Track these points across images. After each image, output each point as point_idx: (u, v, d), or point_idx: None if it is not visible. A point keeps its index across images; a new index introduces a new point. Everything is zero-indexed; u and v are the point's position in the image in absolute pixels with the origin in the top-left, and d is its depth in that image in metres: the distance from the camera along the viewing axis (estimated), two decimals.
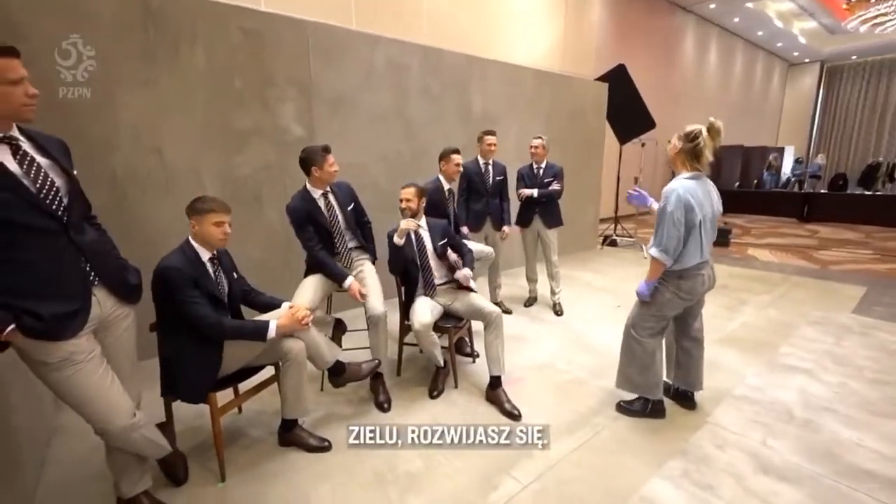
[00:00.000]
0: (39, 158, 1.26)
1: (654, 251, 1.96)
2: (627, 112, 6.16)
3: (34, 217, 1.21)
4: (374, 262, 2.60)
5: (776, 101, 15.31)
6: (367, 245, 2.58)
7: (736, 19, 10.82)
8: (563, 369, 2.76)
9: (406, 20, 5.12)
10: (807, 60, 14.63)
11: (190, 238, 1.75)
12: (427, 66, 4.06)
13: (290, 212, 2.35)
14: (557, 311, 3.76)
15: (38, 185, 1.22)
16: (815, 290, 4.45)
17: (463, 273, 2.46)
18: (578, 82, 5.94)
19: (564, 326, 3.48)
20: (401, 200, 2.43)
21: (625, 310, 3.82)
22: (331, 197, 2.42)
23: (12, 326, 1.17)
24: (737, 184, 11.76)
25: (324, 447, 1.98)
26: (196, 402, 1.75)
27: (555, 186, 3.58)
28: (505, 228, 3.57)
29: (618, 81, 6.12)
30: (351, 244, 2.51)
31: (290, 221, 2.36)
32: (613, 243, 6.68)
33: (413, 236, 2.47)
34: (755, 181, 12.41)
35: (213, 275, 1.78)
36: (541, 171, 3.62)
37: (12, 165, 1.19)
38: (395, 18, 5.02)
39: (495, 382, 2.34)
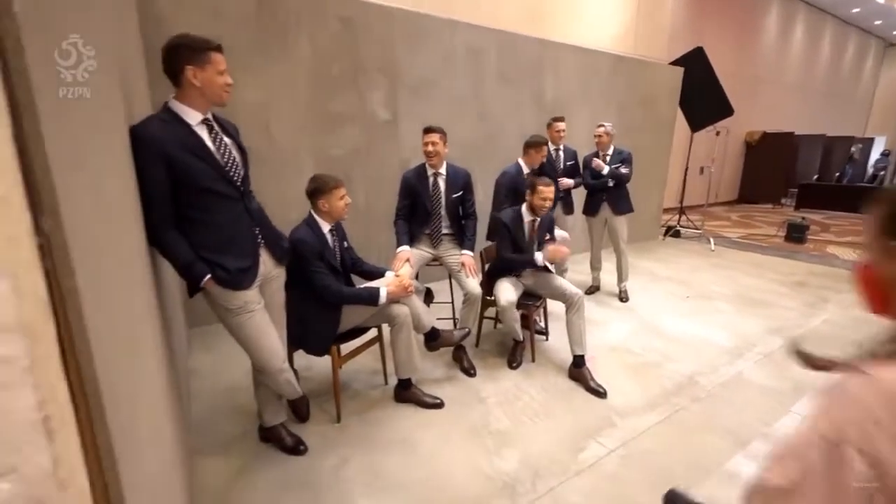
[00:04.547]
0: (225, 138, 1.51)
1: None
2: (703, 98, 5.90)
3: (223, 185, 1.46)
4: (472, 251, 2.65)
5: (868, 86, 13.90)
6: (461, 237, 2.68)
7: None
8: (637, 352, 2.84)
9: (480, 2, 5.16)
10: None
11: (313, 213, 1.99)
12: (502, 51, 4.12)
13: (402, 178, 2.65)
14: (623, 297, 3.79)
15: (224, 159, 1.47)
16: None
17: (562, 235, 2.47)
18: (652, 67, 5.74)
19: (632, 313, 3.52)
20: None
21: (693, 301, 3.83)
22: (440, 180, 2.61)
23: (209, 276, 1.45)
24: (815, 176, 10.87)
25: (437, 404, 2.20)
26: (320, 354, 2.02)
27: (623, 170, 3.54)
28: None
29: (695, 65, 5.86)
30: (445, 230, 2.69)
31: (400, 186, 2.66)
32: (677, 234, 6.51)
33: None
34: (837, 174, 11.42)
35: (332, 245, 2.02)
36: (607, 158, 3.61)
37: (209, 142, 1.45)
38: (469, 2, 5.07)
39: (579, 361, 2.47)
